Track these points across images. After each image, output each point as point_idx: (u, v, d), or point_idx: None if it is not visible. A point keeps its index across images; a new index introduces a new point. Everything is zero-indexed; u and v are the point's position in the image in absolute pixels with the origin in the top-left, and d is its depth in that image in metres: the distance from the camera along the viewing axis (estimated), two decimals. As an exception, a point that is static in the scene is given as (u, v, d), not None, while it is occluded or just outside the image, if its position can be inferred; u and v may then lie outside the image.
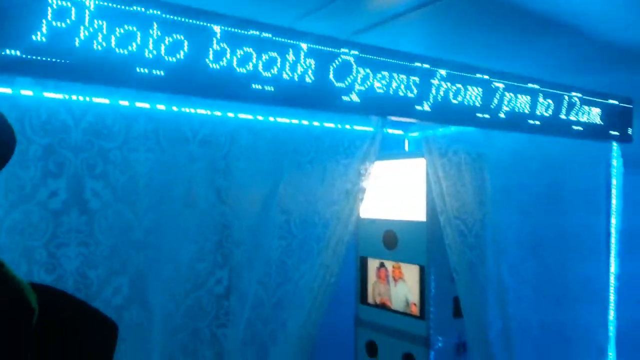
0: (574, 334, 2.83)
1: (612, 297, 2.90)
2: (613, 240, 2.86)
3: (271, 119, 1.96)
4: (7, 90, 1.43)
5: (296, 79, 1.79)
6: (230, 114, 1.89)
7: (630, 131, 2.92)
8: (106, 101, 1.62)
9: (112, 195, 1.58)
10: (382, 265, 3.26)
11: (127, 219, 1.60)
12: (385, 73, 1.98)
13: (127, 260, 1.59)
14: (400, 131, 3.41)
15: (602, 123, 2.79)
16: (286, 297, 1.90)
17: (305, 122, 2.10)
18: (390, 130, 3.08)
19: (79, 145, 1.54)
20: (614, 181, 2.89)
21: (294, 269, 1.92)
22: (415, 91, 2.08)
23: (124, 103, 1.64)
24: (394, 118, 2.13)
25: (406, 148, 3.81)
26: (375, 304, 3.31)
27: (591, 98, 2.73)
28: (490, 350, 2.43)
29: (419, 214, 3.01)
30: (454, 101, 2.22)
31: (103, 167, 1.58)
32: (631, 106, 2.91)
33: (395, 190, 3.10)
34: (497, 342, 2.47)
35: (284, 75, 1.76)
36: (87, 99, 1.57)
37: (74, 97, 1.55)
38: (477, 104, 2.29)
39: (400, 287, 3.16)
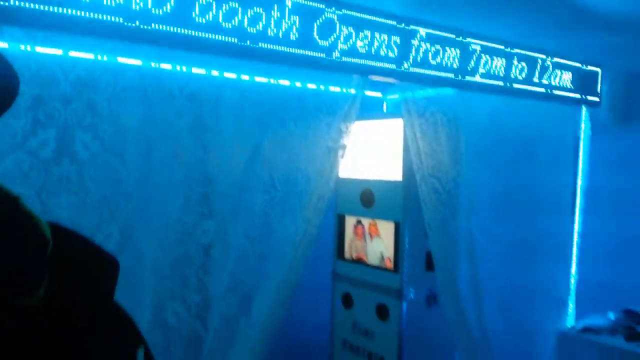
0: (538, 288, 3.01)
1: (574, 253, 3.08)
2: (578, 199, 3.02)
3: (257, 78, 2.01)
4: (-4, 42, 1.44)
5: (280, 36, 1.83)
6: (215, 72, 1.92)
7: (598, 96, 3.05)
8: (92, 56, 1.64)
9: (100, 146, 1.62)
10: (359, 222, 3.38)
11: (116, 170, 1.65)
12: (368, 32, 2.03)
13: (116, 209, 1.65)
14: (378, 93, 3.48)
15: (573, 87, 2.91)
16: (269, 249, 1.98)
17: (288, 83, 2.14)
18: (369, 93, 3.14)
19: (68, 96, 1.57)
20: (581, 143, 3.03)
21: (277, 223, 2.00)
22: (396, 51, 2.14)
23: (112, 58, 1.66)
24: (374, 78, 2.19)
25: (384, 110, 3.88)
26: (351, 259, 3.44)
27: (563, 62, 2.83)
28: (459, 301, 2.59)
29: (396, 174, 3.12)
30: (433, 62, 2.29)
31: (91, 119, 1.61)
32: (599, 70, 3.02)
33: (372, 151, 3.19)
34: (466, 294, 2.62)
35: (269, 32, 1.80)
36: (76, 53, 1.59)
37: (62, 52, 1.56)
38: (455, 66, 2.36)
39: (376, 242, 3.28)
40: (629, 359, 2.64)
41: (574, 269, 3.08)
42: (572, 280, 3.08)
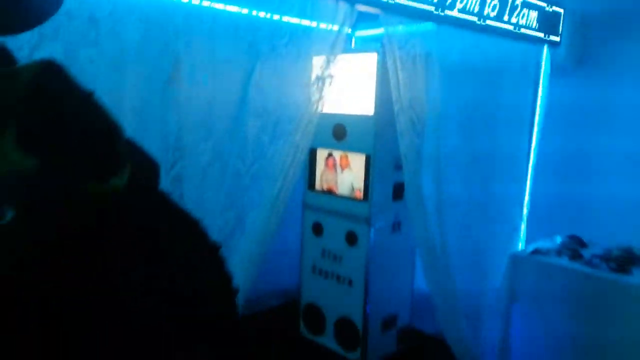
0: (493, 211, 3.30)
1: (528, 176, 3.38)
2: (536, 118, 3.29)
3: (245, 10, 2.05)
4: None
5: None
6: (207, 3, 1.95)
7: (559, 36, 3.26)
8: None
9: (104, 63, 1.65)
10: (330, 155, 3.53)
11: (118, 86, 1.69)
12: (359, -38, 2.10)
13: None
14: (348, 29, 3.54)
15: (537, 26, 3.10)
16: (262, 170, 2.10)
17: (277, 17, 2.18)
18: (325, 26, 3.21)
19: (72, 13, 1.58)
20: (540, 81, 3.26)
21: (269, 146, 2.11)
22: (383, -18, 2.23)
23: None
24: (361, 7, 2.28)
25: (352, 47, 3.96)
26: (322, 190, 3.61)
27: (530, 1, 3.00)
28: (426, 220, 2.82)
29: (368, 108, 3.26)
30: (415, -5, 2.39)
31: (95, 36, 1.63)
32: (562, 11, 3.22)
33: (345, 86, 3.30)
34: (432, 217, 2.86)
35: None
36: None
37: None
38: (434, 0, 2.48)
39: (347, 174, 3.46)
40: (571, 276, 2.99)
41: (527, 199, 3.38)
42: (525, 208, 3.39)
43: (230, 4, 1.96)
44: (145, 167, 1.01)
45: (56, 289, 0.78)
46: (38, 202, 0.79)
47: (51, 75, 0.84)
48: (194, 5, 1.87)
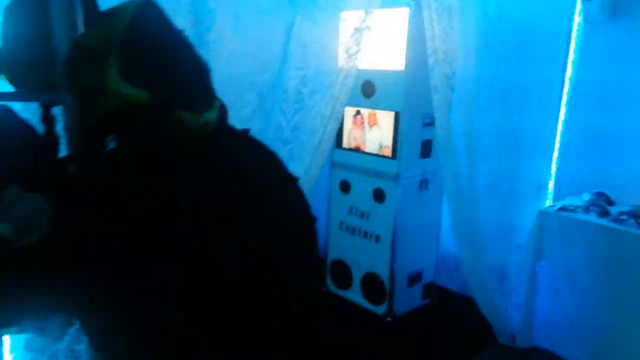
0: (522, 172, 3.36)
1: (557, 142, 3.42)
2: (565, 90, 3.30)
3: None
4: None
5: None
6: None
7: (593, -10, 3.24)
8: None
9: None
10: (358, 112, 3.58)
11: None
12: None
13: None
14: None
15: (572, -20, 3.08)
16: (301, 123, 2.17)
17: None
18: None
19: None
20: (573, 36, 3.26)
21: (308, 98, 2.17)
22: None
23: None
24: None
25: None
26: (349, 148, 3.68)
27: (566, -47, 2.98)
28: (457, 175, 2.89)
29: (398, 64, 3.29)
30: (453, -54, 2.40)
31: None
32: (597, -35, 3.20)
33: (374, 42, 3.31)
34: (462, 169, 2.92)
35: None
36: None
37: None
38: (471, -49, 2.49)
39: (375, 132, 3.52)
40: (599, 232, 3.06)
41: (555, 155, 3.43)
42: (553, 166, 3.44)
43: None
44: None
45: (164, 197, 0.87)
46: (144, 130, 0.88)
47: (147, 14, 0.92)
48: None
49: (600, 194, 3.40)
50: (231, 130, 1.06)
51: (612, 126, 3.42)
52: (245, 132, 1.08)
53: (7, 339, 1.56)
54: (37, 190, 0.78)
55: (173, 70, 0.91)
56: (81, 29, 0.97)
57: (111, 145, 0.96)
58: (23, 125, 0.93)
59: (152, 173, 0.89)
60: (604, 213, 3.20)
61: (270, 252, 0.94)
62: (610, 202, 3.36)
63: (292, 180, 1.08)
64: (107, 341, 0.92)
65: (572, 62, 3.30)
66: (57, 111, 1.03)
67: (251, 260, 0.90)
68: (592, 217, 3.17)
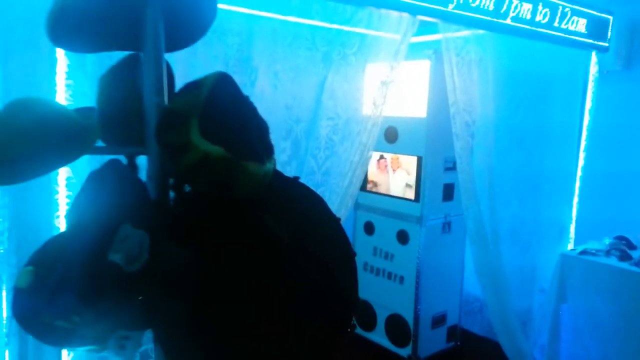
0: (544, 217, 3.53)
1: (577, 187, 3.60)
2: (584, 137, 3.51)
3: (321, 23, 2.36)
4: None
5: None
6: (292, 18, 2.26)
7: (607, 42, 3.48)
8: None
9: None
10: (381, 157, 3.81)
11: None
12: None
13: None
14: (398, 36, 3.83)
15: (586, 32, 3.33)
16: (332, 167, 2.40)
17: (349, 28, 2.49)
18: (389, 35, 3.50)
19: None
20: (590, 86, 3.49)
21: (339, 145, 2.41)
22: (442, -5, 2.51)
23: None
24: (422, 17, 2.56)
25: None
26: (373, 191, 3.89)
27: (580, 9, 3.24)
28: (479, 218, 3.07)
29: (420, 112, 3.54)
30: (472, 4, 2.67)
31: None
32: (610, 18, 3.45)
33: (396, 90, 3.58)
34: (484, 213, 3.11)
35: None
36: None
37: None
38: (490, 8, 2.75)
39: (398, 175, 3.74)
40: (620, 275, 3.20)
41: (576, 200, 3.60)
42: (574, 210, 3.61)
43: (308, 17, 2.27)
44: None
45: (230, 234, 1.09)
46: (220, 178, 1.11)
47: (223, 85, 1.17)
48: (278, 20, 2.20)
49: (621, 238, 3.55)
50: (284, 177, 1.29)
51: (630, 170, 3.60)
52: (296, 179, 1.31)
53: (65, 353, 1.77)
54: (141, 226, 1.00)
55: (243, 130, 1.15)
56: (166, 93, 1.22)
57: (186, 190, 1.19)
58: (131, 175, 1.16)
59: (226, 214, 1.12)
60: (624, 257, 3.34)
61: (321, 276, 1.15)
62: (632, 246, 3.50)
63: (336, 220, 1.29)
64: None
65: (589, 110, 3.52)
66: (140, 161, 1.27)
67: (307, 281, 1.11)
68: (613, 261, 3.31)
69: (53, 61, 1.59)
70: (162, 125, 1.13)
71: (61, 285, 1.03)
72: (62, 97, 1.62)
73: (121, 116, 1.24)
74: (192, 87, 1.15)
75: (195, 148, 1.09)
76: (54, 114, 1.11)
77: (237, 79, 2.08)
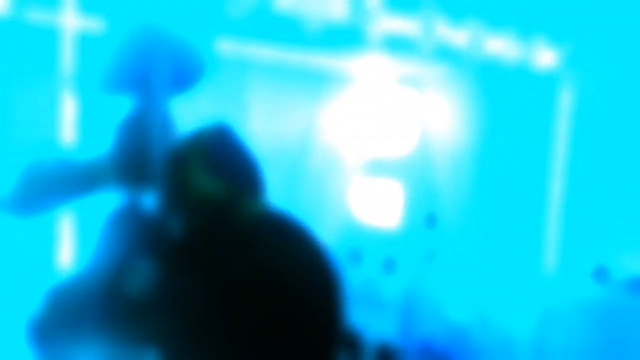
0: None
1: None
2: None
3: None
4: None
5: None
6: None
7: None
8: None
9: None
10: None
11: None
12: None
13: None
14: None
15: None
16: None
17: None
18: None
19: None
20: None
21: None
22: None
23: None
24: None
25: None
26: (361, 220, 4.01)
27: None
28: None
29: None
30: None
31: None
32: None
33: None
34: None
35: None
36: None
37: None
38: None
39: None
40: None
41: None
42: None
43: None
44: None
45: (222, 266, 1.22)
46: (220, 213, 1.25)
47: (224, 131, 1.32)
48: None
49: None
50: (275, 210, 1.43)
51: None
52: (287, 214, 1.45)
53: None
54: (150, 259, 1.14)
55: (241, 170, 1.31)
56: (173, 139, 1.38)
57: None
58: (139, 214, 1.31)
59: (223, 245, 1.26)
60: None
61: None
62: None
63: (322, 248, 1.41)
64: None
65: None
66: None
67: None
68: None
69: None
70: (168, 167, 1.28)
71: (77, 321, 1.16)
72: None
73: (134, 161, 1.39)
74: (197, 133, 1.31)
75: (197, 187, 1.24)
76: (69, 165, 1.27)
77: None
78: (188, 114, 1.80)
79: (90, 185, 1.28)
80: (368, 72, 2.65)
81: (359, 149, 3.63)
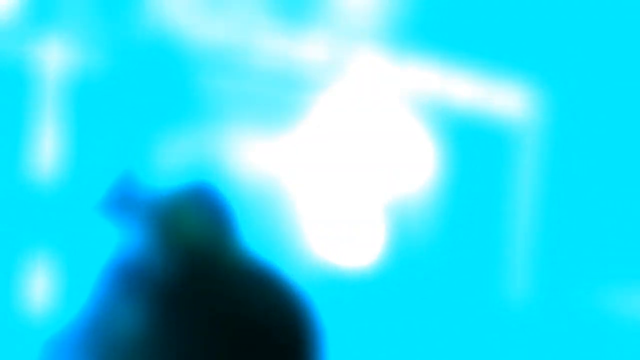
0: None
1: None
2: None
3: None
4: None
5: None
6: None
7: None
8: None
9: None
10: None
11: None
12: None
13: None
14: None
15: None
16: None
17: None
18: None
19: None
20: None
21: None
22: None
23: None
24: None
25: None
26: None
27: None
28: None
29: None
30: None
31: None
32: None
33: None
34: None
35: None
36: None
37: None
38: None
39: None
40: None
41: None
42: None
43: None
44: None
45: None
46: (203, 254, 1.42)
47: (206, 188, 1.49)
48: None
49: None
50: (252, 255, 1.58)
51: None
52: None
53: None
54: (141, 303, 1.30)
55: (221, 213, 1.48)
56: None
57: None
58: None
59: (206, 287, 1.41)
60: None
61: None
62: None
63: (300, 297, 1.55)
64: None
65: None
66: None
67: None
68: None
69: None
70: (152, 218, 1.45)
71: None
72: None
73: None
74: (180, 190, 1.48)
75: (180, 233, 1.41)
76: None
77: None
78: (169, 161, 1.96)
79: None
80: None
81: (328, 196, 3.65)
